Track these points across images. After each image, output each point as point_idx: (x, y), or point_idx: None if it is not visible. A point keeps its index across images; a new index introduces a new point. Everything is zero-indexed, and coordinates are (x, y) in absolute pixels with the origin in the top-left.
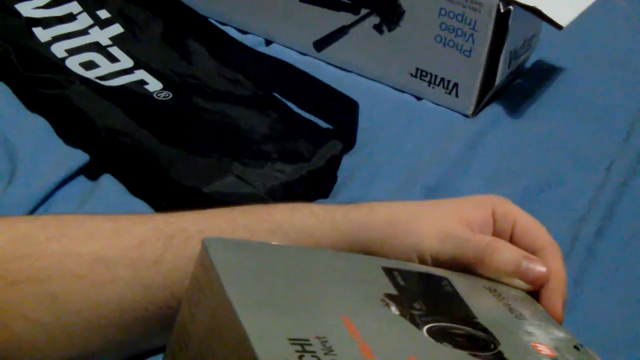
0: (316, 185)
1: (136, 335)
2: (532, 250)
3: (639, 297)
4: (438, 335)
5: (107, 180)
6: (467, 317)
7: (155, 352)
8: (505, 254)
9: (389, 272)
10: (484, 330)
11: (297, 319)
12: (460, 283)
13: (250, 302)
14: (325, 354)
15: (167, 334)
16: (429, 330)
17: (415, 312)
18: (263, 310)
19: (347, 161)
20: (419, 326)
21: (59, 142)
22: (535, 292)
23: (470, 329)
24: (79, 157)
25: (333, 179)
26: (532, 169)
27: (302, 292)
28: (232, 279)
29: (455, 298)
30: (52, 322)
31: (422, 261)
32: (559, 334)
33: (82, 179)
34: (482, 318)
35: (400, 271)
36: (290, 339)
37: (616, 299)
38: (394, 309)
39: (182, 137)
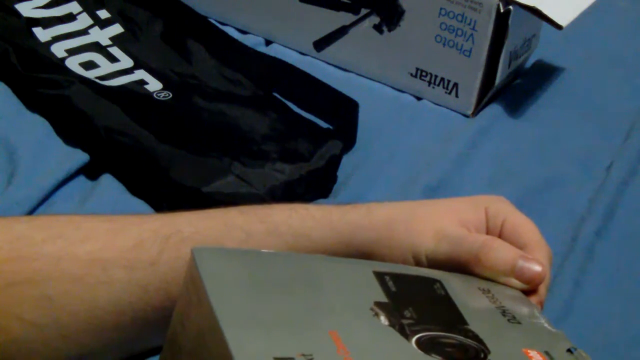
0: (316, 185)
1: (132, 336)
2: (519, 248)
3: (639, 297)
4: (427, 346)
5: (107, 180)
6: (458, 323)
7: (153, 352)
8: (501, 253)
9: (380, 276)
10: (475, 337)
11: (283, 335)
12: (454, 285)
13: (237, 318)
14: None
15: (164, 335)
16: (418, 341)
17: (405, 322)
18: (249, 327)
19: (347, 161)
20: (408, 337)
21: (59, 142)
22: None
23: (460, 338)
24: (79, 157)
25: (333, 179)
26: (532, 169)
27: (290, 305)
28: (219, 293)
29: (447, 303)
30: (49, 323)
31: (418, 261)
32: (553, 336)
33: (82, 179)
34: (474, 324)
35: (391, 275)
36: (275, 358)
37: (616, 299)
38: (383, 319)
39: (182, 137)
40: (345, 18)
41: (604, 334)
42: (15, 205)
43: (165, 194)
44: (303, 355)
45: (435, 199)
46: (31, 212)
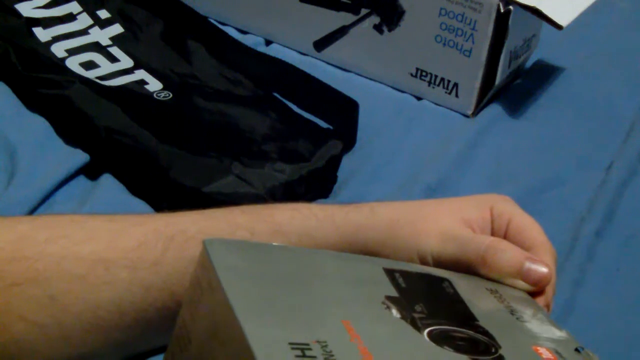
0: (316, 185)
1: (135, 336)
2: (525, 249)
3: (639, 297)
4: (439, 339)
5: (107, 180)
6: (468, 319)
7: (155, 352)
8: (508, 255)
9: (390, 273)
10: (485, 333)
11: (297, 322)
12: (462, 284)
13: (251, 305)
14: (326, 358)
15: (167, 335)
16: (430, 334)
17: (416, 315)
18: (263, 314)
19: (347, 161)
20: (419, 330)
21: (59, 142)
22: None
23: (471, 332)
24: (79, 157)
25: (333, 179)
26: (532, 169)
27: (303, 295)
28: (233, 282)
29: (456, 300)
30: (51, 323)
31: (424, 262)
32: (560, 336)
33: (82, 179)
34: (484, 320)
35: (401, 272)
36: (290, 344)
37: (616, 299)
38: (394, 312)
39: (182, 137)
40: (345, 18)
41: (604, 333)
42: (15, 205)
43: (165, 194)
44: (317, 342)
45: (438, 198)
46: (31, 212)
